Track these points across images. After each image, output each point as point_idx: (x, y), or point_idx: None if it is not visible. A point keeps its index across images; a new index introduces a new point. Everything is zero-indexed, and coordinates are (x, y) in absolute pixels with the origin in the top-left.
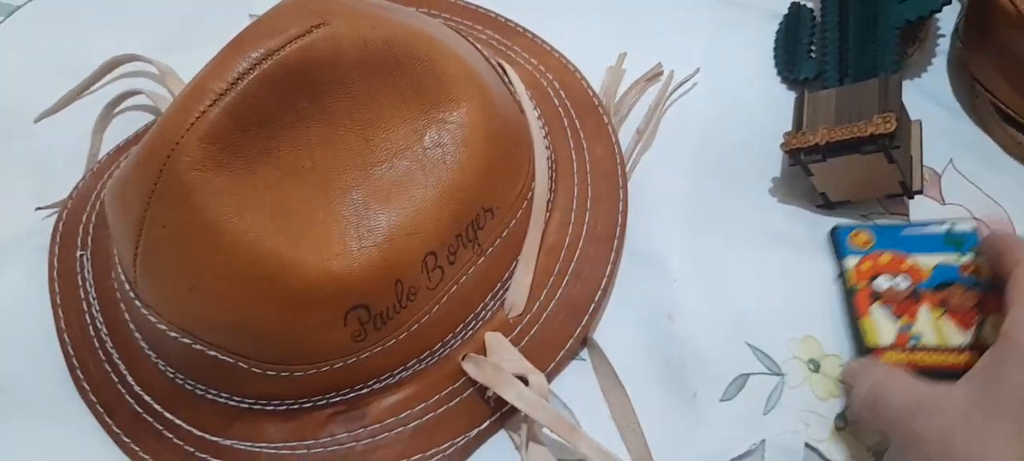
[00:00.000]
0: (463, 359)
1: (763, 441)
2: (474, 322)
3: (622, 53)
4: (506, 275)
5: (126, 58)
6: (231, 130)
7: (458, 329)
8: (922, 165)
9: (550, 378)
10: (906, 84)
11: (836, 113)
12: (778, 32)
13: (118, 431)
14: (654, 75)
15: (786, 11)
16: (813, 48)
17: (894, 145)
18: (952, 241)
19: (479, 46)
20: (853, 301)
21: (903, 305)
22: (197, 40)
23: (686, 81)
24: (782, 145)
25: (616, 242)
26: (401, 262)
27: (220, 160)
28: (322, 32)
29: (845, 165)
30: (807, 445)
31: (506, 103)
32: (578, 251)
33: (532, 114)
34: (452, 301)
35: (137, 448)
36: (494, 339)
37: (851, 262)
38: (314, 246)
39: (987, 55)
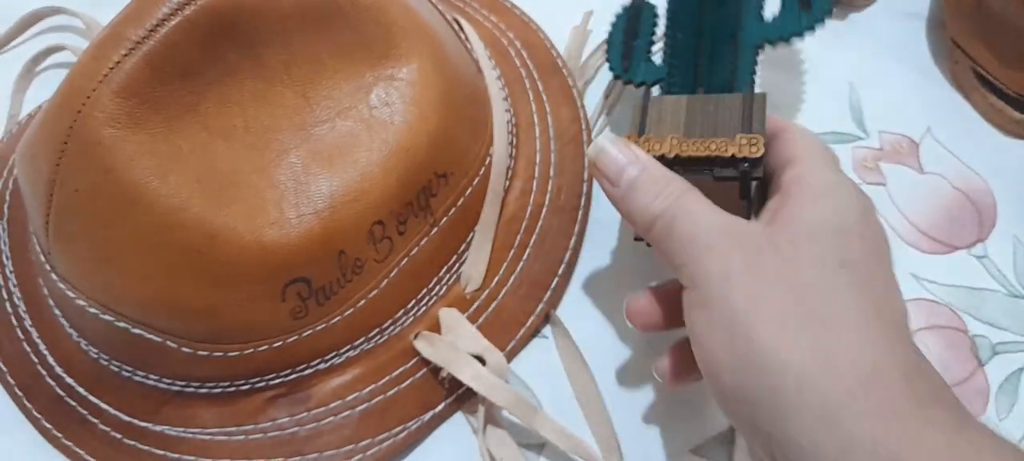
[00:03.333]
0: (415, 337)
1: (733, 426)
2: (427, 298)
3: (587, 12)
4: (462, 247)
5: (49, 11)
6: (150, 83)
7: (410, 305)
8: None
9: (510, 357)
10: (883, 47)
11: (686, 124)
12: (614, 25)
13: (38, 416)
14: None
15: (627, 4)
16: (653, 49)
17: (755, 175)
18: None
19: (433, 1)
20: None
21: None
22: None
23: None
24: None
25: (581, 212)
26: (344, 231)
27: (138, 116)
28: None
29: None
30: None
31: (461, 60)
32: (540, 222)
33: (491, 73)
34: (403, 275)
35: (59, 435)
36: (449, 316)
37: None
38: (246, 213)
39: (966, 18)
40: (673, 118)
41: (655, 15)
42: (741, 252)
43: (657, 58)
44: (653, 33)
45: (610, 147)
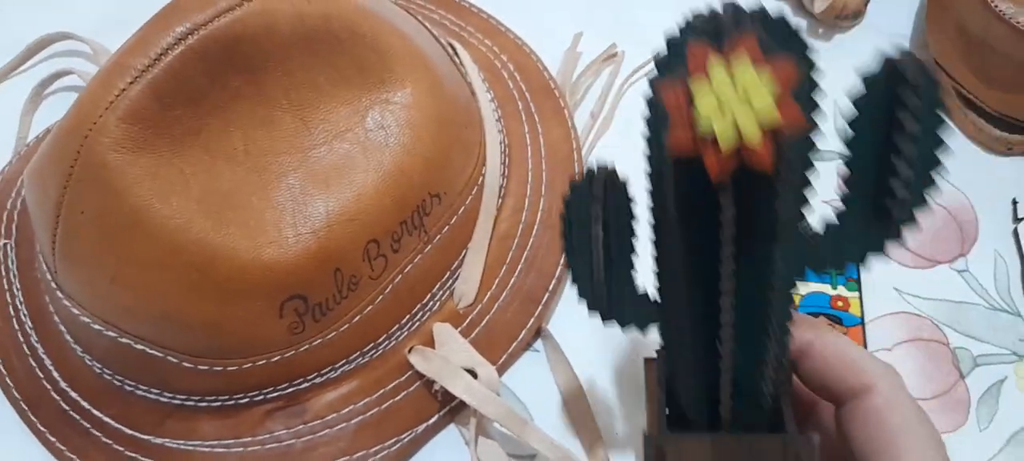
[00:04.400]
0: (410, 352)
1: None
2: (421, 313)
3: (577, 33)
4: (455, 264)
5: (57, 36)
6: (154, 109)
7: (404, 320)
8: None
9: (502, 370)
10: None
11: None
12: (565, 216)
13: (43, 429)
14: (609, 56)
15: (580, 185)
16: (634, 264)
17: None
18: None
19: (428, 25)
20: None
21: None
22: (138, 18)
23: (645, 65)
24: None
25: None
26: (340, 250)
27: (143, 141)
28: (254, 5)
29: None
30: None
31: (455, 83)
32: (532, 239)
33: (484, 95)
34: (397, 291)
35: (63, 447)
36: (442, 330)
37: None
38: (246, 233)
39: (948, 39)
40: None
41: (628, 201)
42: None
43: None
44: (632, 232)
45: None
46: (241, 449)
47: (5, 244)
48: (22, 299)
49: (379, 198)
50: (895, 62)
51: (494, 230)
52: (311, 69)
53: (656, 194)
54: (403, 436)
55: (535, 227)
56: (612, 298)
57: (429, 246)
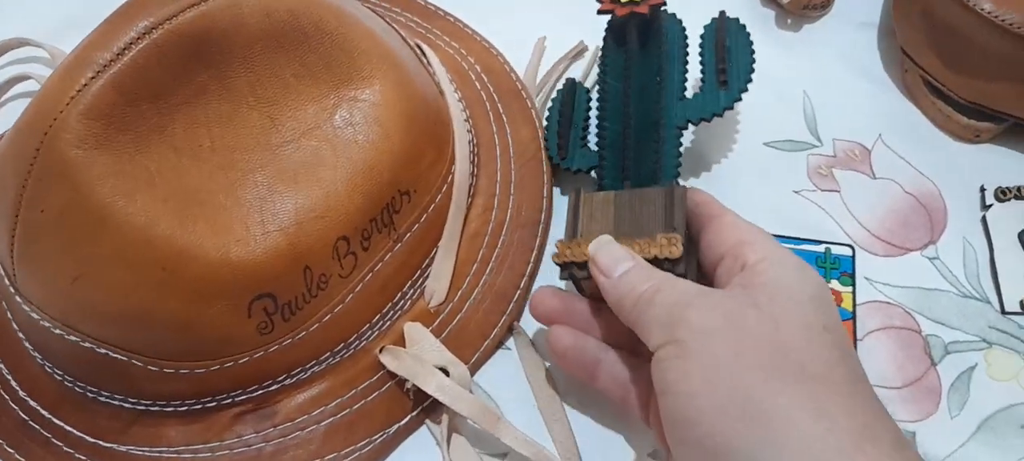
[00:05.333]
0: (381, 351)
1: None
2: (392, 312)
3: (541, 37)
4: (426, 262)
5: (14, 43)
6: (118, 105)
7: (375, 320)
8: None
9: (475, 368)
10: (836, 56)
11: (615, 222)
12: (551, 109)
13: (0, 441)
14: (578, 52)
15: (561, 87)
16: (587, 136)
17: (678, 271)
18: (825, 263)
19: (396, 27)
20: None
21: None
22: (96, 23)
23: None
24: (554, 256)
25: (542, 227)
26: (310, 247)
27: (105, 138)
28: (221, 0)
29: None
30: None
31: (423, 83)
32: (502, 237)
33: (452, 96)
34: (368, 290)
35: (21, 459)
36: (413, 329)
37: None
38: (213, 231)
39: (915, 27)
40: (603, 217)
41: (588, 97)
42: (722, 310)
43: (593, 140)
44: (587, 116)
45: (611, 244)
46: (209, 454)
47: None
48: None
49: (349, 195)
50: (723, 15)
51: (464, 228)
52: (278, 65)
53: (605, 49)
54: (375, 437)
55: (505, 225)
56: (569, 151)
57: (399, 244)
